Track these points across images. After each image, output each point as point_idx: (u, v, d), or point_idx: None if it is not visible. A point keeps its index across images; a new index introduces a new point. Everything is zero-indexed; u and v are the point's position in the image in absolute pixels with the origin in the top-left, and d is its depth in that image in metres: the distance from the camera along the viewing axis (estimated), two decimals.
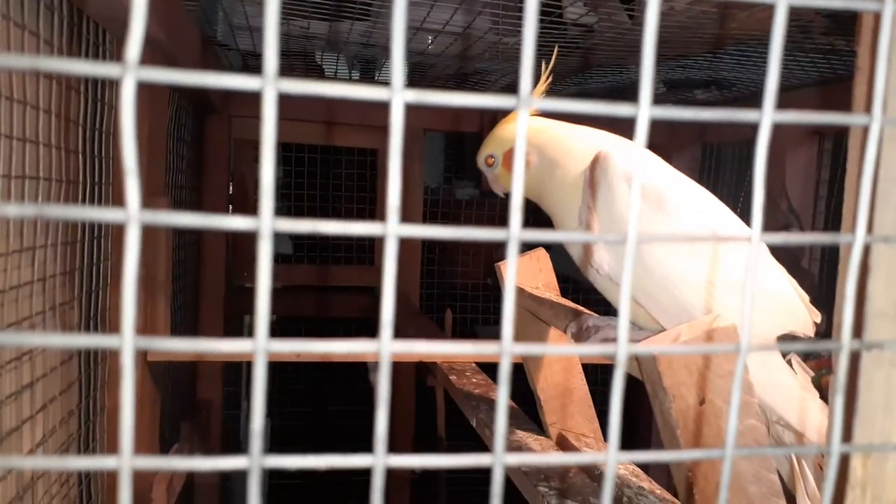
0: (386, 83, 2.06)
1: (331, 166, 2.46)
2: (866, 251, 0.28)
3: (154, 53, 1.09)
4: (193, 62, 1.33)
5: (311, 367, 2.53)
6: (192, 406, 1.92)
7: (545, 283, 0.85)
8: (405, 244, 2.19)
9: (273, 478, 2.63)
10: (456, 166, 2.72)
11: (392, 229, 0.22)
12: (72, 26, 0.93)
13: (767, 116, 0.24)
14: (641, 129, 0.23)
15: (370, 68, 2.00)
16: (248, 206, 2.22)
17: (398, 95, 0.22)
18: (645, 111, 0.23)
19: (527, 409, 0.99)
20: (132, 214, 0.20)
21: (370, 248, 2.44)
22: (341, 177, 2.47)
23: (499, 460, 0.23)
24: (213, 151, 1.96)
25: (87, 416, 1.04)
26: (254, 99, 1.99)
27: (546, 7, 1.20)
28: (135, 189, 0.21)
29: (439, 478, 2.20)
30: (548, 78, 0.79)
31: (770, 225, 1.70)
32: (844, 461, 0.29)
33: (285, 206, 2.64)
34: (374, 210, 2.39)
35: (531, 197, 0.76)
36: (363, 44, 1.52)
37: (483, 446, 0.93)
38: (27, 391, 0.81)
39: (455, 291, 2.46)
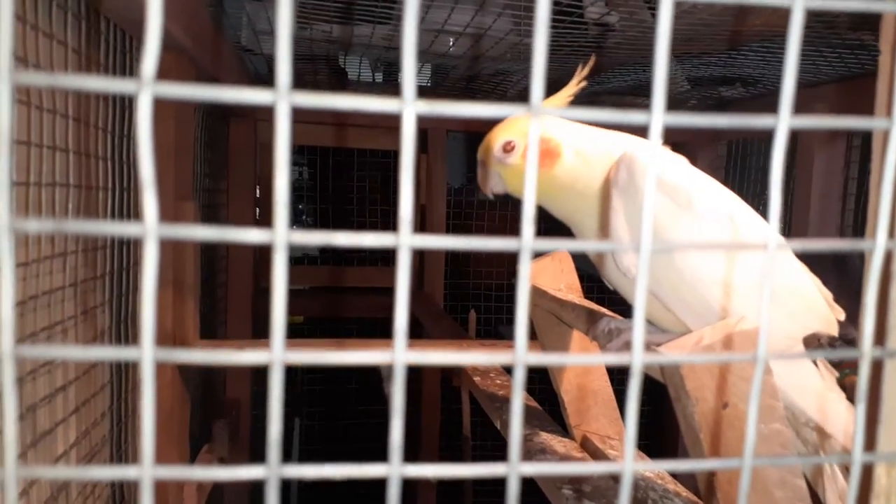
0: None
1: (355, 168, 2.47)
2: (889, 257, 0.28)
3: (180, 60, 1.10)
4: (219, 68, 1.35)
5: (338, 367, 2.55)
6: (222, 406, 1.94)
7: (568, 285, 0.85)
8: None
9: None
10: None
11: (405, 240, 0.22)
12: (99, 34, 0.95)
13: (784, 122, 0.24)
14: (655, 136, 0.23)
15: (393, 70, 2.01)
16: (273, 209, 2.25)
17: (409, 107, 0.22)
18: (658, 118, 0.23)
19: (551, 411, 0.98)
20: (150, 229, 0.21)
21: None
22: (365, 179, 2.49)
23: (514, 470, 0.23)
24: (239, 156, 1.99)
25: (118, 418, 1.06)
26: None
27: (567, 7, 1.20)
28: (152, 203, 0.21)
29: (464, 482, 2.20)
30: (580, 82, 0.74)
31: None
32: (868, 470, 0.28)
33: (311, 208, 2.66)
34: (396, 211, 2.40)
35: (547, 200, 0.71)
36: (385, 47, 1.53)
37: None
38: (60, 394, 0.83)
39: (479, 292, 2.46)
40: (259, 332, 2.16)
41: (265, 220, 2.24)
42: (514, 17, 1.29)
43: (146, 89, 0.21)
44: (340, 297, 2.41)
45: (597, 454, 0.82)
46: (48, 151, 0.78)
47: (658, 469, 0.24)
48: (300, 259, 2.62)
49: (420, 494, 2.27)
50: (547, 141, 0.69)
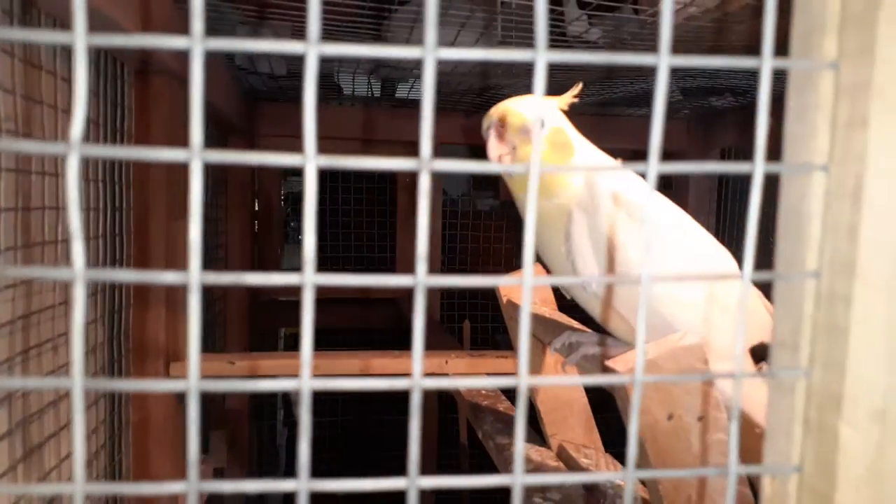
0: (404, 99, 2.10)
1: (352, 181, 2.51)
2: (768, 286, 0.30)
3: (170, 82, 1.13)
4: (210, 88, 1.38)
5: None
6: (221, 416, 1.97)
7: (542, 299, 0.87)
8: None
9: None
10: (477, 178, 2.75)
11: (309, 279, 0.25)
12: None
13: (653, 168, 0.26)
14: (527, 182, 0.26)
15: (388, 85, 2.04)
16: (272, 222, 2.28)
17: (311, 162, 0.25)
18: (535, 169, 0.26)
19: (529, 419, 1.01)
20: (78, 273, 0.24)
21: (391, 261, 2.48)
22: (362, 191, 2.52)
23: (413, 483, 0.26)
24: (236, 170, 2.02)
25: (112, 430, 1.09)
26: (277, 118, 2.05)
27: (550, 25, 1.23)
28: (80, 252, 0.24)
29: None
30: (574, 97, 0.71)
31: None
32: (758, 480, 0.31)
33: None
34: (394, 222, 2.43)
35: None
36: (377, 65, 1.56)
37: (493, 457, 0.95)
38: (52, 409, 0.86)
39: (476, 301, 2.49)
40: (257, 344, 2.19)
41: (263, 233, 2.27)
42: (503, 34, 1.32)
43: (74, 152, 0.23)
44: (341, 309, 2.44)
45: (570, 462, 0.84)
46: (36, 176, 0.81)
47: (540, 482, 0.26)
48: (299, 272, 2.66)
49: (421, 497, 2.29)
50: (565, 134, 0.68)
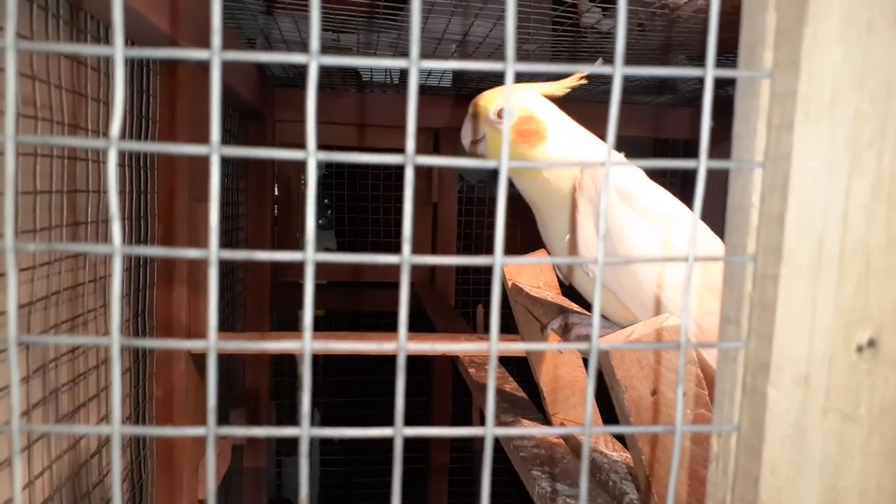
0: (423, 85, 2.13)
1: (369, 166, 2.55)
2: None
3: (194, 72, 1.18)
4: (233, 75, 1.43)
5: (357, 359, 2.63)
6: (240, 396, 2.04)
7: (546, 283, 0.91)
8: (441, 240, 2.27)
9: (323, 465, 2.76)
10: None
11: (309, 256, 0.29)
12: (86, 33, 1.03)
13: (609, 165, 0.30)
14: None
15: (406, 73, 2.09)
16: (292, 207, 2.33)
17: (312, 158, 0.29)
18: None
19: (536, 400, 1.05)
20: (116, 248, 0.28)
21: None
22: (379, 177, 2.57)
23: (399, 432, 0.30)
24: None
25: (136, 403, 1.15)
26: (296, 104, 2.10)
27: (562, 15, 1.26)
28: (118, 231, 0.28)
29: (474, 468, 2.28)
30: (580, 79, 0.74)
31: None
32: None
33: (336, 206, 2.75)
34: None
35: (518, 179, 0.73)
36: (394, 53, 1.60)
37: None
38: (82, 381, 0.92)
39: (490, 287, 2.53)
40: (277, 325, 2.26)
41: (283, 218, 2.33)
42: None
43: (113, 146, 0.28)
44: (359, 292, 2.49)
45: (570, 440, 0.89)
46: (68, 161, 0.86)
47: (507, 434, 0.30)
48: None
49: (431, 490, 2.35)
50: (536, 121, 0.70)
